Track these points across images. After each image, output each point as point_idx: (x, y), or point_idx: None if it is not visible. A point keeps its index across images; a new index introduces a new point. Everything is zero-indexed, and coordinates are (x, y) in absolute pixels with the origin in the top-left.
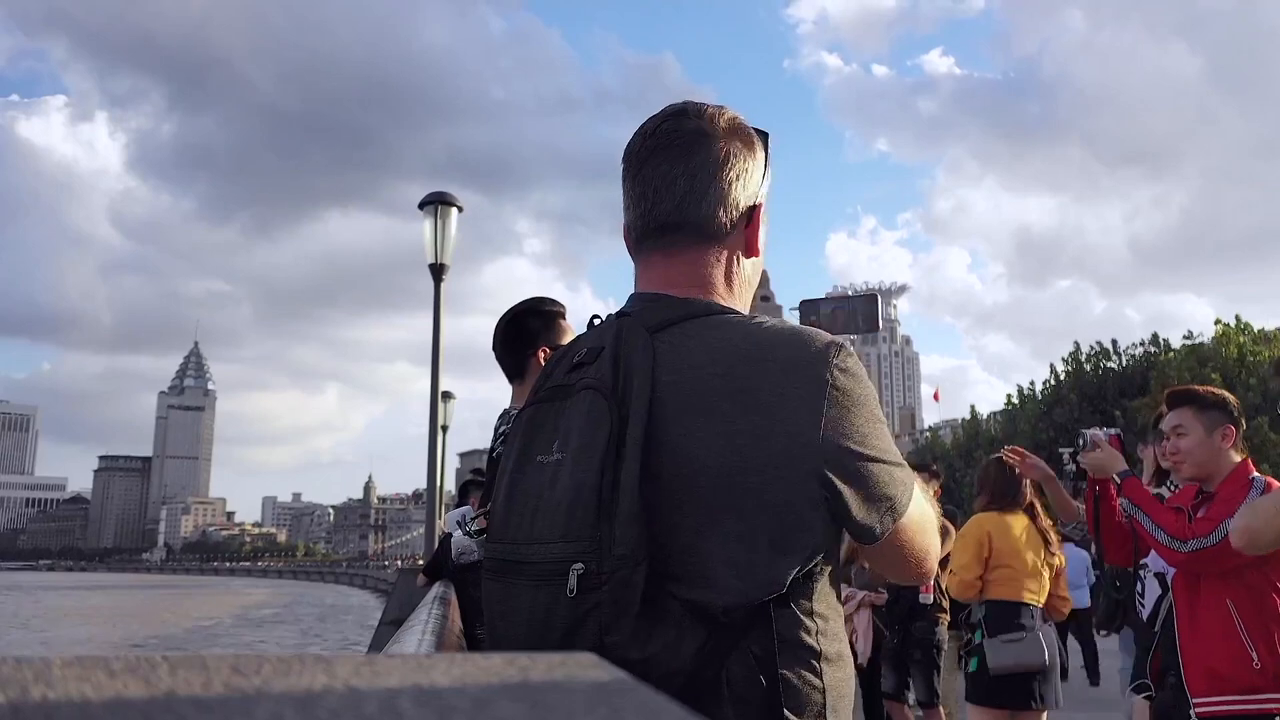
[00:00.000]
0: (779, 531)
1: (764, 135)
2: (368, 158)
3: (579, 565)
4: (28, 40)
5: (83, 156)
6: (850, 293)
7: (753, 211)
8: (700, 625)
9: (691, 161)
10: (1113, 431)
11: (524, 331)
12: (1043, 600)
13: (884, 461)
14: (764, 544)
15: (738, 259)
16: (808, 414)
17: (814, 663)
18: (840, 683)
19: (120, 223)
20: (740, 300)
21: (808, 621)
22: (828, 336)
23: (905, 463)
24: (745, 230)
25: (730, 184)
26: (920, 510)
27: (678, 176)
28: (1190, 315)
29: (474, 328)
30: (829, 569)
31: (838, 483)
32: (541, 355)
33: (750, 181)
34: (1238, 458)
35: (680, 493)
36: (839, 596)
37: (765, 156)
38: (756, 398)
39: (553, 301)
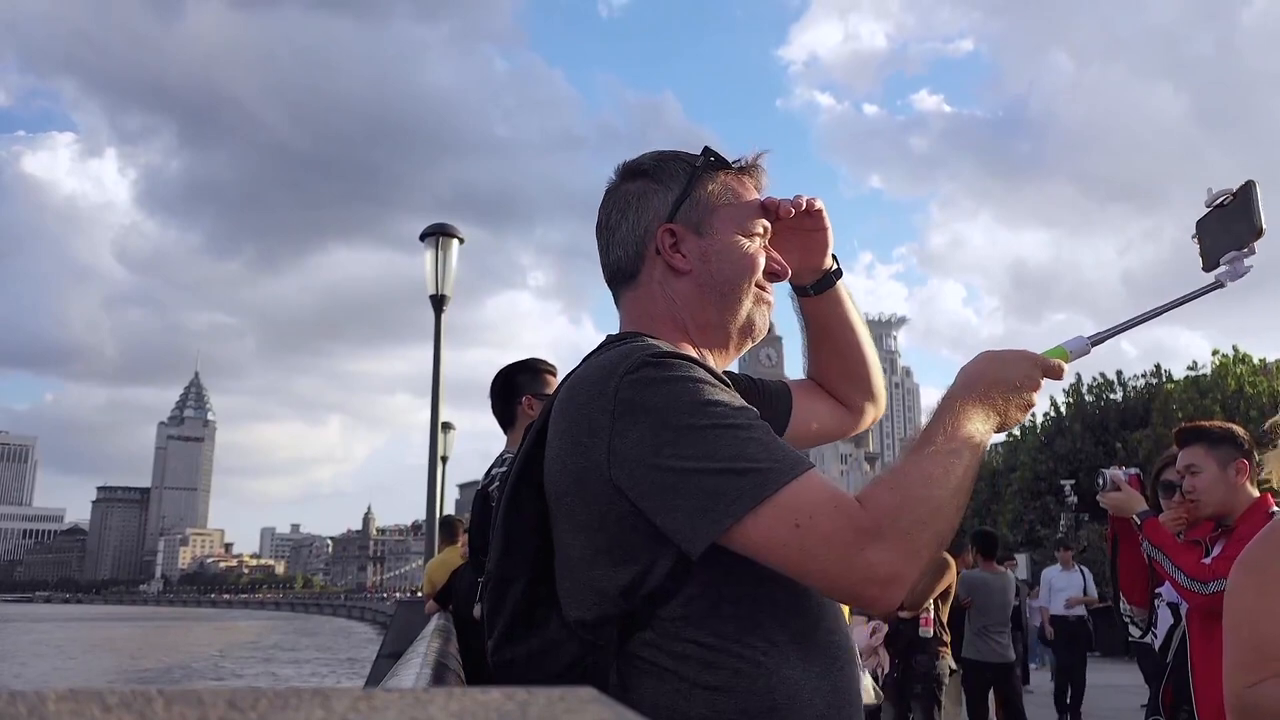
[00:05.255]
0: (605, 548)
1: (704, 154)
2: (373, 193)
3: (482, 579)
4: (39, 81)
5: (90, 191)
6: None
7: (660, 235)
8: (576, 637)
9: (598, 224)
10: (1132, 471)
11: (513, 385)
12: None
13: (681, 469)
14: (599, 561)
15: (665, 284)
16: (601, 431)
17: (683, 688)
18: (735, 714)
19: (125, 256)
20: (689, 321)
21: (673, 645)
22: (644, 349)
23: (738, 468)
24: (661, 256)
25: (620, 226)
26: (786, 525)
27: (597, 244)
28: (1186, 348)
29: (476, 360)
30: (725, 592)
31: (629, 497)
32: (526, 403)
33: (645, 210)
34: (1255, 491)
35: (552, 513)
36: (783, 621)
37: (681, 176)
38: (570, 421)
39: (544, 362)
